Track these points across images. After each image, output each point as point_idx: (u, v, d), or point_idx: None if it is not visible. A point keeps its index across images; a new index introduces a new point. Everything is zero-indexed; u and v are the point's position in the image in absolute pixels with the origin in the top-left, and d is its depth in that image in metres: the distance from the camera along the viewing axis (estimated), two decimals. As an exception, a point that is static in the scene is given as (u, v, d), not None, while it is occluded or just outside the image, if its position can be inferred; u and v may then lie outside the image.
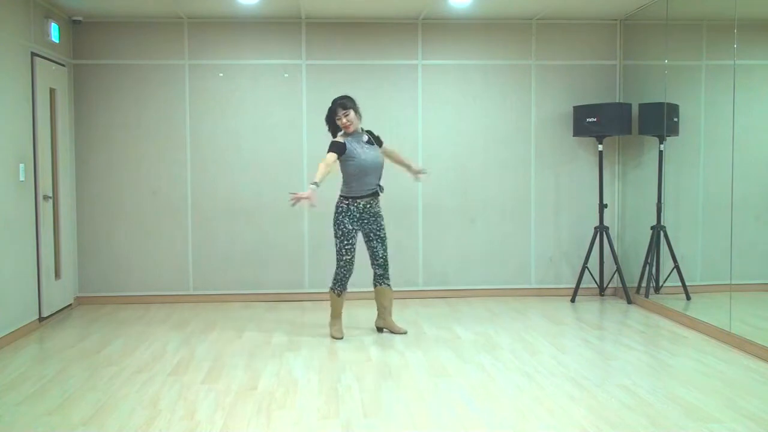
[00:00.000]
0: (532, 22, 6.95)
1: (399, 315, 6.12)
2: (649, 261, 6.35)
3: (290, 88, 6.84)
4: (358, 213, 5.30)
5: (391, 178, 6.96)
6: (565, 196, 7.05)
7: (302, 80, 6.83)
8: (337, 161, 5.21)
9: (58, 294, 6.27)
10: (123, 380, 4.33)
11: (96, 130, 6.74)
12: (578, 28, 6.99)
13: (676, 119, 6.06)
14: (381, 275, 5.45)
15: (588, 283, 6.91)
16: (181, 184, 6.80)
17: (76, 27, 6.67)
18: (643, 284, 6.46)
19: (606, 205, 6.83)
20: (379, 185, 5.37)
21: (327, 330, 5.60)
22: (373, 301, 5.70)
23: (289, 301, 6.83)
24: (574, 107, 6.79)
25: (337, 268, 5.35)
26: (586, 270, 6.80)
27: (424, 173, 5.70)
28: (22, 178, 5.57)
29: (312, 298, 6.86)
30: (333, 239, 5.39)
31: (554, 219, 7.06)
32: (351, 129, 5.26)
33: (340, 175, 5.31)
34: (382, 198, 5.45)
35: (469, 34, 6.92)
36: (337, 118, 5.26)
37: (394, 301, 6.69)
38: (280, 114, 6.83)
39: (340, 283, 5.37)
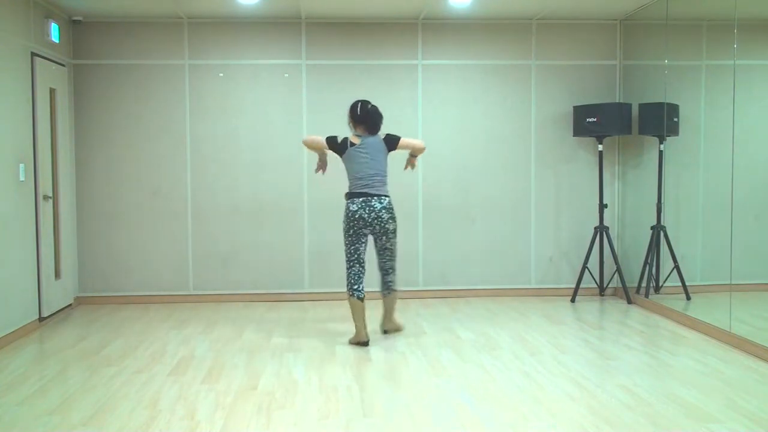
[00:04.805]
0: (532, 22, 6.95)
1: (399, 315, 6.12)
2: (649, 261, 6.34)
3: (290, 88, 6.83)
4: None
5: (391, 177, 6.97)
6: (565, 196, 7.05)
7: (302, 80, 6.83)
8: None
9: (58, 294, 6.27)
10: (123, 380, 4.33)
11: (96, 130, 6.74)
12: (578, 28, 6.99)
13: (676, 119, 6.05)
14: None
15: (588, 283, 6.91)
16: (181, 184, 6.80)
17: (76, 27, 6.67)
18: (643, 284, 6.46)
19: (606, 205, 6.83)
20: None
21: (326, 329, 5.61)
22: (377, 302, 5.72)
23: (289, 301, 6.83)
24: (574, 107, 6.79)
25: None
26: (586, 270, 6.80)
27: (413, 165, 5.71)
28: (22, 178, 5.57)
29: (312, 298, 6.86)
30: (341, 240, 5.48)
31: (554, 219, 7.06)
32: None
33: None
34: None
35: (469, 34, 6.92)
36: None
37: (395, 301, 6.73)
38: (280, 114, 6.83)
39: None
